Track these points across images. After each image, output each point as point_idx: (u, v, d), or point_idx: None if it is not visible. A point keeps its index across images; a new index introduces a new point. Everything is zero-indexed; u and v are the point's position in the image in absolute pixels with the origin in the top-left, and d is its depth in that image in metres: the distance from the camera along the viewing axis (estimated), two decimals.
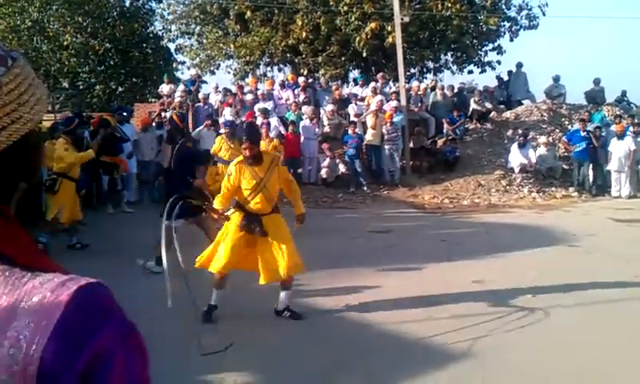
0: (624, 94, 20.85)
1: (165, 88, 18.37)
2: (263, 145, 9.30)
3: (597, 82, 20.41)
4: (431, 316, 6.10)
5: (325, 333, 5.79)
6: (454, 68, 23.24)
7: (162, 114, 16.08)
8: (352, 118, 16.75)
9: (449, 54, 22.93)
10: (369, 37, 19.42)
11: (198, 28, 23.07)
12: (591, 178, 15.56)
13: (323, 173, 15.55)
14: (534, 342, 5.39)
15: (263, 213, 5.81)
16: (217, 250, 5.90)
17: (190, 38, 23.55)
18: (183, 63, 26.05)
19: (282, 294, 6.04)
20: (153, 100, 23.29)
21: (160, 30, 23.74)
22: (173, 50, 25.59)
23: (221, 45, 22.78)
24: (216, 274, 5.88)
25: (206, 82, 19.34)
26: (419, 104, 17.94)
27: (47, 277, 0.88)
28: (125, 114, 14.37)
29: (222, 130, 12.54)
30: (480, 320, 5.94)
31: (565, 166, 16.40)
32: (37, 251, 0.96)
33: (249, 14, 20.75)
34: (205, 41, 23.16)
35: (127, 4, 26.90)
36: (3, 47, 0.95)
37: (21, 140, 0.93)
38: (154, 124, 15.40)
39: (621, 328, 5.76)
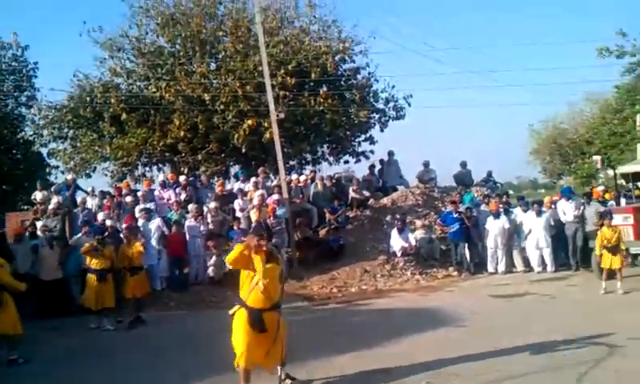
0: (490, 174, 22.40)
1: (38, 195, 17.66)
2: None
3: (463, 164, 21.78)
4: None
5: None
6: (331, 159, 24.12)
7: (36, 222, 15.42)
8: (237, 213, 16.79)
9: (325, 146, 23.84)
10: (247, 133, 19.82)
11: (72, 132, 22.41)
12: (468, 257, 16.36)
13: (210, 271, 15.34)
14: None
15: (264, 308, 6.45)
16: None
17: (63, 143, 22.83)
18: (57, 168, 25.19)
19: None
20: (25, 207, 22.22)
21: (31, 135, 22.94)
22: (45, 155, 24.73)
23: (96, 147, 22.26)
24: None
25: (80, 188, 18.67)
26: (300, 195, 18.34)
27: None
28: None
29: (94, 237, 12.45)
30: None
31: (443, 247, 17.18)
32: None
33: (124, 115, 20.60)
34: (79, 144, 22.52)
35: None
36: None
37: None
38: (27, 233, 14.69)
39: None
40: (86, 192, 18.23)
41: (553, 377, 6.85)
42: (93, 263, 11.70)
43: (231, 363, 6.61)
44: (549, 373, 6.95)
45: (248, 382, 6.51)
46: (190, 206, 16.34)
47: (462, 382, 6.80)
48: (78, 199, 17.31)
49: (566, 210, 15.42)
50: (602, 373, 6.81)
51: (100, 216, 15.56)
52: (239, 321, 6.50)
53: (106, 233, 13.89)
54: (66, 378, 8.37)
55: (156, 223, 15.45)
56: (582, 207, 15.29)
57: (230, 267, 6.71)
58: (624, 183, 17.01)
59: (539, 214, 15.54)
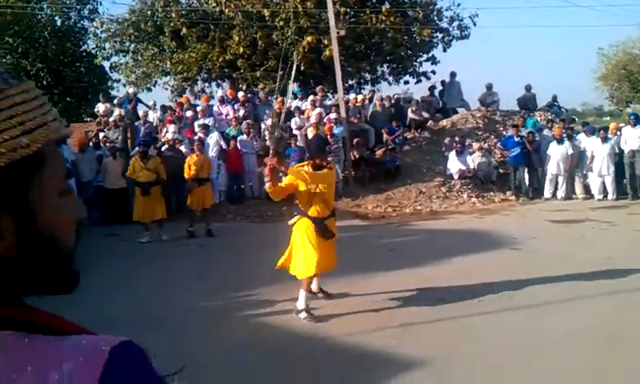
0: (554, 99, 21.67)
1: (101, 107, 18.07)
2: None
3: (528, 88, 21.11)
4: (381, 325, 6.17)
5: (277, 345, 5.79)
6: (391, 79, 23.76)
7: (100, 133, 15.82)
8: (294, 131, 16.82)
9: (385, 66, 23.43)
10: (306, 50, 19.58)
11: (133, 45, 22.67)
12: (527, 182, 16.07)
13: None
14: (485, 347, 5.53)
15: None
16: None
17: (124, 56, 23.17)
18: (118, 81, 25.66)
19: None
20: (89, 119, 22.82)
21: (93, 49, 23.23)
22: (107, 69, 25.16)
23: (157, 62, 22.50)
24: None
25: (142, 102, 19.00)
26: (358, 115, 18.16)
27: (75, 340, 0.82)
28: None
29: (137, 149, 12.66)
30: (430, 328, 6.08)
31: (501, 171, 16.89)
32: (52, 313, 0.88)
33: (184, 30, 20.62)
34: (140, 58, 22.80)
35: (58, 23, 26.33)
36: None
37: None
38: (91, 144, 15.12)
39: (570, 325, 5.95)
40: (147, 106, 18.54)
41: (599, 303, 6.73)
42: (138, 176, 11.70)
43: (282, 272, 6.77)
44: (597, 298, 6.84)
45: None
46: (243, 123, 16.47)
47: (516, 302, 6.77)
48: (140, 112, 17.62)
49: (629, 138, 14.86)
50: None
51: (171, 129, 15.80)
52: (304, 231, 6.61)
53: (163, 145, 14.28)
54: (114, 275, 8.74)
55: (214, 138, 15.66)
56: None
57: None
58: None
59: (605, 140, 15.00)
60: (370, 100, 19.73)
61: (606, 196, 15.03)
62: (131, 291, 7.98)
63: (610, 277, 7.71)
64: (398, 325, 6.15)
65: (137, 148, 12.73)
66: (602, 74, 37.66)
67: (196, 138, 14.32)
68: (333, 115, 16.87)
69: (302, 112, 17.32)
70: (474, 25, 22.34)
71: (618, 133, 15.45)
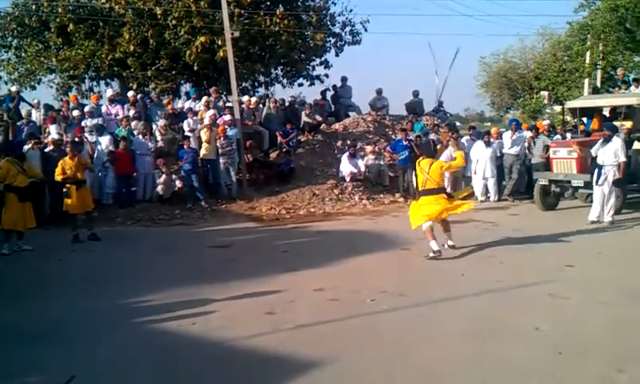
0: (440, 104, 22.68)
1: None
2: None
3: (416, 93, 22.01)
4: (277, 328, 6.24)
5: (170, 351, 5.74)
6: (285, 81, 23.87)
7: None
8: (186, 133, 16.59)
9: (279, 68, 23.53)
10: (199, 50, 19.33)
11: (16, 41, 21.48)
12: (415, 184, 16.65)
13: (159, 189, 15.23)
14: (379, 344, 5.73)
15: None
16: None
17: (6, 52, 21.86)
18: (0, 78, 24.17)
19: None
20: None
21: None
22: None
23: (42, 58, 21.37)
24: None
25: (25, 100, 18.06)
26: (252, 117, 18.16)
27: None
28: None
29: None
30: (325, 328, 6.22)
31: (391, 174, 17.42)
32: None
33: (71, 26, 19.76)
34: (24, 54, 21.62)
35: None
36: None
37: None
38: None
39: (457, 324, 6.27)
40: (30, 104, 17.66)
41: (485, 299, 7.16)
42: (15, 180, 10.80)
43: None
44: (486, 295, 7.27)
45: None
46: (134, 123, 16.10)
47: (407, 301, 7.06)
48: (23, 112, 16.76)
49: (507, 142, 15.93)
50: (536, 296, 7.17)
51: (52, 129, 15.12)
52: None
53: (46, 146, 13.76)
54: None
55: (106, 139, 15.31)
56: (523, 143, 15.79)
57: None
58: (569, 119, 17.43)
59: (488, 144, 15.85)
60: (264, 103, 19.77)
61: (488, 198, 15.88)
62: (18, 300, 7.63)
63: (493, 273, 8.22)
64: (293, 326, 6.24)
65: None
66: (484, 82, 39.61)
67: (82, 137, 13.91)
68: (227, 117, 16.77)
69: (195, 113, 17.10)
70: (365, 30, 22.90)
71: (500, 138, 16.37)
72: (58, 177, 11.60)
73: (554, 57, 33.07)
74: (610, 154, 11.77)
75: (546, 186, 13.92)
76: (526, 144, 15.83)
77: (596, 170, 12.04)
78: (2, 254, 10.59)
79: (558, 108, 27.74)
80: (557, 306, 6.76)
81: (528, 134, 16.19)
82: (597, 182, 11.97)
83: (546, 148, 14.53)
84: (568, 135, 16.43)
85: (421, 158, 10.10)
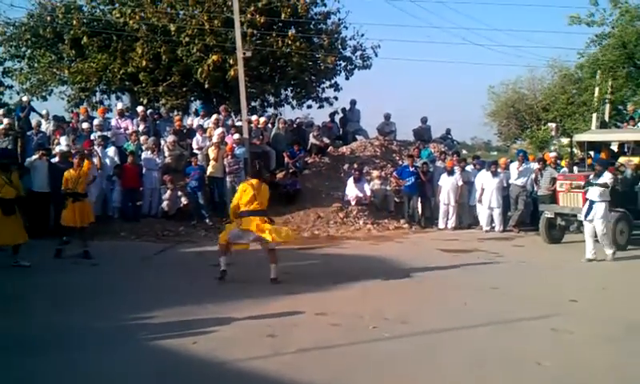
0: (448, 132, 22.72)
1: None
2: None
3: (424, 120, 22.07)
4: (278, 351, 6.21)
5: (171, 369, 5.71)
6: (294, 103, 23.96)
7: None
8: (195, 150, 16.65)
9: (289, 89, 23.64)
10: (210, 69, 19.48)
11: (29, 51, 21.68)
12: (420, 211, 16.70)
13: (164, 205, 15.27)
14: (379, 373, 5.69)
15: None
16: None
17: (19, 62, 22.07)
18: (11, 87, 24.30)
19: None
20: None
21: None
22: (0, 74, 23.81)
23: (54, 70, 21.58)
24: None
25: (35, 110, 18.18)
26: (260, 137, 18.23)
27: None
28: None
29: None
30: (326, 353, 6.19)
31: (396, 199, 17.43)
32: None
33: (85, 39, 19.96)
34: (36, 65, 21.82)
35: None
36: None
37: None
38: None
39: (459, 350, 6.24)
40: (40, 115, 17.76)
41: (487, 330, 7.12)
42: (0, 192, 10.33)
43: None
44: (488, 326, 7.23)
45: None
46: (143, 138, 16.16)
47: (409, 329, 7.02)
48: (33, 122, 16.86)
49: (514, 173, 16.03)
50: (538, 329, 7.12)
51: (62, 141, 15.18)
52: None
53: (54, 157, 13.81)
54: None
55: (111, 151, 15.36)
56: (530, 175, 15.82)
57: None
58: (576, 151, 17.43)
59: (495, 174, 15.87)
60: (273, 123, 19.86)
61: (493, 228, 15.87)
62: (15, 313, 7.64)
63: (496, 305, 8.17)
64: (295, 350, 6.22)
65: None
66: (492, 111, 39.63)
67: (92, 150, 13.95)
68: (235, 136, 16.85)
69: (204, 130, 17.18)
70: (376, 55, 23.03)
71: (507, 169, 16.40)
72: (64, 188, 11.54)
73: (562, 89, 33.11)
74: (599, 190, 11.66)
75: (552, 218, 13.90)
76: (533, 176, 15.85)
77: (586, 205, 11.91)
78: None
79: (565, 140, 27.69)
80: (559, 341, 6.71)
81: (535, 165, 16.22)
82: (585, 216, 11.83)
83: (553, 180, 14.54)
84: (575, 169, 16.44)
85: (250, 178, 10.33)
